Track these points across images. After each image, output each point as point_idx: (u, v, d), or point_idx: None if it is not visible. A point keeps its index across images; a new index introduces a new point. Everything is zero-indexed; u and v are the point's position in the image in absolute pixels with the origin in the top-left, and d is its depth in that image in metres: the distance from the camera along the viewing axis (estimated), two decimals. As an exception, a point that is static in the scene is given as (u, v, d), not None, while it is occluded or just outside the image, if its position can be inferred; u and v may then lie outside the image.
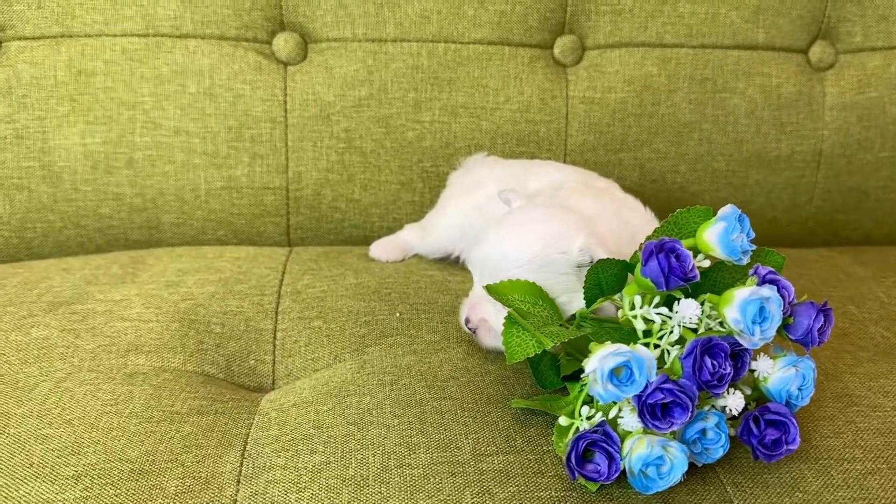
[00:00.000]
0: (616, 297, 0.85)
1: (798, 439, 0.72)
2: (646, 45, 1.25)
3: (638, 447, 0.67)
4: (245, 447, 0.78)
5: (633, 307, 0.75)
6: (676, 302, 0.73)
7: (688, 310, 0.70)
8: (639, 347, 0.68)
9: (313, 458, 0.75)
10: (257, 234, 1.26)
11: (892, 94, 1.29)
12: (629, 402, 0.70)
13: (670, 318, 0.72)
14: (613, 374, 0.67)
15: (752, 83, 1.27)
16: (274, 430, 0.80)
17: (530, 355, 0.75)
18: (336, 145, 1.22)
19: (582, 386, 0.83)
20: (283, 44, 1.21)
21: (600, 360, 0.67)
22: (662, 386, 0.67)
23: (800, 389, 0.73)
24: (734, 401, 0.71)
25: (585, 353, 0.81)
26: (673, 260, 0.70)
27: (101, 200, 1.21)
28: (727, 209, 0.75)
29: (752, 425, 0.71)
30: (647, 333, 0.76)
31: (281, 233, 1.26)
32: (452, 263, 1.15)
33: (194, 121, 1.19)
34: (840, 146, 1.30)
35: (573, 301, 0.87)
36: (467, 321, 0.91)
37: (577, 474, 0.69)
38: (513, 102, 1.23)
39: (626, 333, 0.80)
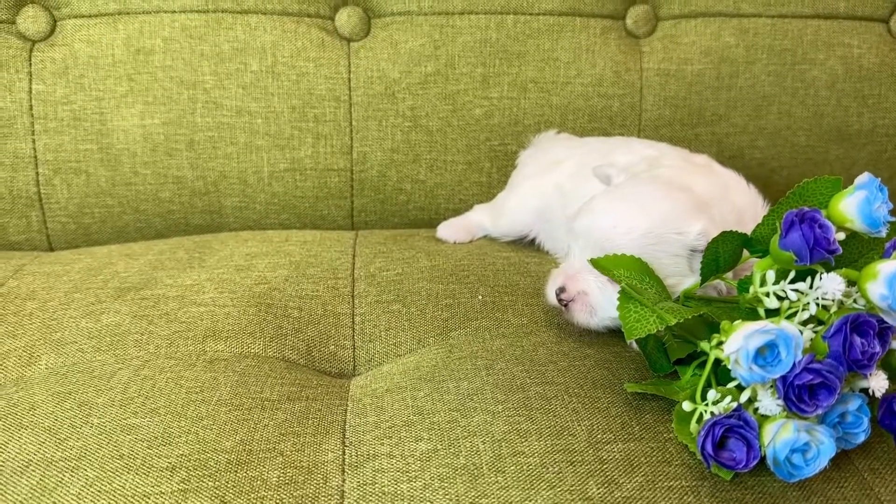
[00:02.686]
0: (727, 275, 0.81)
1: (944, 423, 0.67)
2: (722, 14, 1.20)
3: (784, 432, 0.62)
4: (344, 435, 0.74)
5: (763, 283, 0.70)
6: (809, 278, 0.68)
7: (831, 284, 0.65)
8: (785, 324, 0.63)
9: (419, 446, 0.70)
10: (320, 217, 1.21)
11: (980, 64, 1.23)
12: (765, 385, 0.65)
13: (806, 294, 0.67)
14: (759, 354, 0.62)
15: (832, 54, 1.21)
16: (372, 417, 0.76)
17: (652, 332, 0.70)
18: (401, 124, 1.17)
19: (696, 369, 0.79)
20: (347, 19, 1.16)
21: (745, 338, 0.62)
22: (810, 366, 0.62)
23: (944, 370, 0.68)
24: (878, 382, 0.66)
25: (697, 334, 0.77)
26: (817, 230, 0.65)
27: (162, 184, 1.17)
28: (865, 177, 0.70)
29: (894, 407, 0.66)
30: (770, 313, 0.72)
31: (345, 216, 1.21)
32: (527, 246, 1.10)
33: (256, 100, 1.15)
34: (925, 119, 1.24)
35: (679, 285, 0.82)
36: (561, 291, 0.86)
37: (711, 462, 0.64)
38: (584, 76, 1.18)
39: (745, 313, 0.76)
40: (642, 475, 0.67)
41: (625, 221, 0.82)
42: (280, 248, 1.09)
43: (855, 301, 0.68)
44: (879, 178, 0.69)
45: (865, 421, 0.65)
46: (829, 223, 0.67)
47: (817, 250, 0.65)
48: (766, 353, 0.63)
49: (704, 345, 0.76)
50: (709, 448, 0.64)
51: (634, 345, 0.86)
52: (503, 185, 1.19)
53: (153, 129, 1.14)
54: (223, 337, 0.89)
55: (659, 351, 0.81)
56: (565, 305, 0.86)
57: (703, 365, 0.79)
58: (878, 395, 0.66)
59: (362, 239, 1.13)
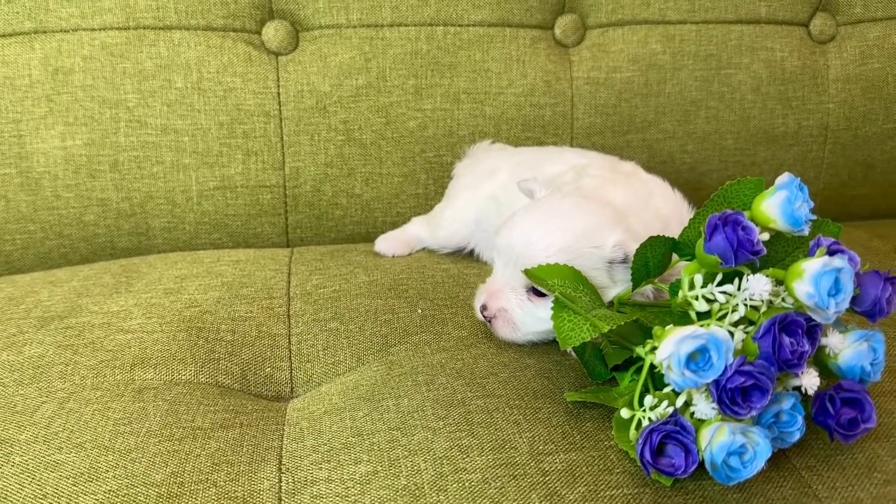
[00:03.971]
0: (655, 280, 0.81)
1: (874, 417, 0.68)
2: (648, 22, 1.21)
3: (719, 436, 0.62)
4: (281, 461, 0.71)
5: (691, 287, 0.70)
6: (737, 279, 0.68)
7: (758, 285, 0.66)
8: (714, 328, 0.63)
9: (359, 469, 0.69)
10: (254, 235, 1.19)
11: (894, 65, 1.27)
12: (700, 390, 0.66)
13: (734, 296, 0.68)
14: (690, 359, 0.62)
15: (756, 58, 1.24)
16: (310, 441, 0.74)
17: (586, 340, 0.70)
18: (334, 138, 1.16)
19: (634, 375, 0.79)
20: (274, 33, 1.14)
21: (676, 344, 0.62)
22: (742, 368, 0.62)
23: (872, 365, 0.69)
24: (810, 380, 0.66)
25: (632, 340, 0.77)
26: (741, 232, 0.66)
27: (85, 207, 1.12)
28: (785, 177, 0.71)
29: (829, 405, 0.67)
30: (701, 316, 0.72)
31: (279, 233, 1.19)
32: (466, 257, 1.10)
33: (182, 118, 1.12)
34: (845, 119, 1.28)
35: (604, 296, 0.83)
36: (483, 309, 0.86)
37: (651, 469, 0.64)
38: (516, 86, 1.18)
39: (677, 317, 0.76)
40: (584, 485, 0.66)
41: (543, 238, 0.82)
42: (211, 269, 1.06)
43: (783, 300, 0.69)
44: (799, 178, 0.71)
45: (800, 419, 0.66)
46: (753, 225, 0.67)
47: (741, 252, 0.66)
48: (697, 358, 0.63)
49: (640, 350, 0.76)
50: (647, 455, 0.64)
51: (573, 353, 0.86)
52: (440, 196, 1.18)
53: (75, 151, 1.10)
54: (152, 364, 0.86)
55: (596, 358, 0.81)
56: (489, 321, 0.86)
57: (640, 370, 0.80)
58: (811, 392, 0.67)
59: (298, 256, 1.11)
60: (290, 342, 0.93)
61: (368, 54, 1.15)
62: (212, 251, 1.13)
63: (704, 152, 1.25)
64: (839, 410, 0.67)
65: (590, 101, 1.20)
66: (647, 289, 0.84)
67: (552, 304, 0.74)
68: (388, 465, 0.69)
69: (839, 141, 1.29)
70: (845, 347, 0.69)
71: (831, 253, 0.69)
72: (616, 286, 0.85)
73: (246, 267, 1.07)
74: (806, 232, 0.70)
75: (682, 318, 0.75)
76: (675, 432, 0.64)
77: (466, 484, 0.66)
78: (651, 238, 0.77)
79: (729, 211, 0.68)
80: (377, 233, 1.18)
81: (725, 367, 0.62)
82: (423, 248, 1.13)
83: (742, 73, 1.24)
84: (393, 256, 1.11)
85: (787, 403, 0.66)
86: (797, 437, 0.67)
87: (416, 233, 1.13)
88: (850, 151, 1.29)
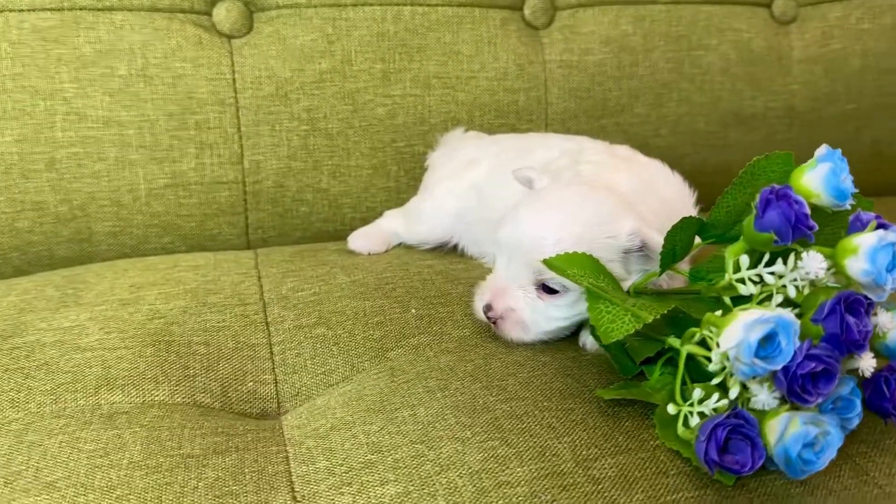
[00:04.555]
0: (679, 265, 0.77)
1: (929, 398, 0.64)
2: (618, 2, 1.17)
3: (792, 427, 0.57)
4: (293, 488, 0.62)
5: (737, 269, 0.65)
6: (785, 259, 0.64)
7: (814, 263, 0.61)
8: (779, 310, 0.58)
9: (387, 490, 0.61)
10: (210, 237, 1.08)
11: (854, 46, 1.28)
12: (758, 378, 0.61)
13: (783, 276, 0.63)
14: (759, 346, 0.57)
15: (724, 39, 1.22)
16: (322, 462, 0.65)
17: (630, 332, 0.64)
18: (297, 128, 1.06)
19: (663, 368, 0.74)
20: (226, 13, 1.04)
21: (745, 330, 0.57)
22: (811, 353, 0.57)
23: (921, 343, 0.66)
24: (867, 361, 0.63)
25: (659, 331, 0.72)
26: (795, 206, 0.61)
27: (18, 212, 0.99)
28: (824, 149, 0.67)
29: (884, 387, 0.64)
30: (737, 301, 0.68)
31: (238, 234, 1.08)
32: (448, 252, 1.02)
33: (127, 108, 1.00)
34: (810, 100, 1.27)
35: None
36: (488, 309, 0.79)
37: (715, 469, 0.59)
38: (488, 70, 1.12)
39: (709, 303, 0.71)
40: (642, 491, 0.60)
41: (554, 231, 0.76)
42: (169, 276, 0.95)
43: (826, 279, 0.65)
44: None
45: (858, 404, 0.62)
46: (803, 199, 0.63)
47: (798, 228, 0.61)
48: (765, 344, 0.58)
49: (673, 341, 0.71)
50: (713, 453, 0.58)
51: (588, 346, 0.80)
52: (412, 189, 1.11)
53: (4, 149, 0.97)
54: (119, 385, 0.75)
55: (621, 352, 0.75)
56: (494, 323, 0.79)
57: (669, 362, 0.75)
58: (868, 374, 0.63)
59: (264, 258, 1.01)
60: (271, 352, 0.83)
61: (332, 36, 1.06)
62: (165, 256, 1.02)
63: (677, 136, 1.22)
64: (894, 392, 0.64)
65: (563, 84, 1.15)
66: (662, 277, 0.79)
67: (586, 297, 0.68)
68: (419, 484, 0.61)
69: (804, 122, 1.28)
70: (894, 326, 0.66)
71: (879, 227, 0.65)
72: (631, 277, 0.80)
73: (208, 272, 0.96)
74: (848, 206, 0.66)
75: (714, 305, 0.70)
76: (740, 426, 0.59)
77: (513, 499, 0.59)
78: (682, 220, 0.72)
79: (778, 186, 0.63)
80: (346, 230, 1.10)
81: (795, 353, 0.57)
82: (400, 245, 1.05)
83: (711, 55, 1.22)
84: (369, 254, 1.02)
85: (846, 388, 0.62)
86: (856, 423, 0.62)
87: (392, 228, 1.05)
88: (815, 132, 1.29)
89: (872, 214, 0.67)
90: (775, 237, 0.61)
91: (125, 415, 0.71)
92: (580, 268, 0.73)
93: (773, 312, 0.58)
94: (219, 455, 0.66)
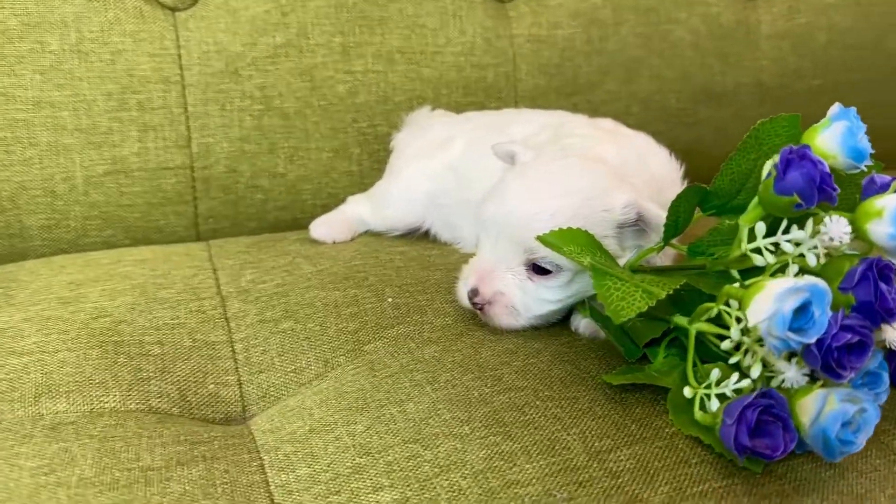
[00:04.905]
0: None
1: (954, 369, 0.60)
2: (586, -26, 1.12)
3: (830, 406, 0.52)
4: (272, 499, 0.55)
5: (751, 238, 0.60)
6: (804, 224, 0.59)
7: (838, 228, 0.56)
8: (810, 278, 0.53)
9: (382, 497, 0.53)
10: (156, 229, 0.98)
11: (820, 20, 1.25)
12: (783, 354, 0.55)
13: (802, 244, 0.58)
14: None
15: (693, 13, 1.18)
16: (304, 469, 0.57)
17: (643, 310, 0.58)
18: (250, 107, 0.98)
19: (667, 349, 0.68)
20: (169, -17, 0.95)
21: (777, 301, 0.51)
22: (847, 323, 0.52)
23: (944, 311, 0.62)
24: (891, 333, 0.58)
25: (665, 310, 0.66)
26: (819, 166, 0.56)
27: (-64, 203, 0.88)
28: (837, 108, 0.62)
29: (911, 359, 0.59)
30: (746, 274, 0.63)
31: (187, 225, 0.99)
32: (420, 238, 0.95)
33: (60, 88, 0.90)
34: (778, 76, 1.25)
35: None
36: (474, 294, 0.72)
37: (744, 455, 0.53)
38: (455, 44, 1.05)
39: (716, 278, 0.66)
40: (665, 483, 0.54)
41: (545, 206, 0.70)
42: (113, 272, 0.85)
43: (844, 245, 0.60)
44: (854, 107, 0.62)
45: (886, 377, 0.58)
46: (823, 159, 0.58)
47: (823, 189, 0.56)
48: (798, 316, 0.52)
49: (680, 319, 0.66)
50: (744, 438, 0.53)
51: (581, 329, 0.75)
52: (376, 172, 1.03)
53: (-83, 133, 0.86)
54: (63, 392, 0.66)
55: (623, 334, 0.69)
56: (480, 309, 0.73)
57: (672, 343, 0.69)
58: (895, 347, 0.59)
59: (218, 249, 0.93)
60: (233, 350, 0.75)
61: (286, 7, 0.98)
62: (107, 251, 0.92)
63: (649, 113, 1.18)
64: (919, 364, 0.60)
65: (533, 60, 1.09)
66: (655, 253, 0.74)
67: (591, 275, 0.62)
68: (418, 488, 0.54)
69: (773, 98, 1.25)
70: (916, 294, 0.62)
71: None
72: (625, 254, 0.74)
73: (157, 266, 0.87)
74: (864, 168, 0.62)
75: (722, 279, 0.65)
76: (771, 407, 0.53)
77: (526, 499, 0.52)
78: (686, 189, 0.67)
79: (793, 146, 0.58)
80: (306, 218, 1.02)
81: (829, 324, 0.52)
82: (366, 232, 0.98)
83: (681, 29, 1.17)
84: (333, 242, 0.95)
85: (874, 361, 0.57)
86: (884, 398, 0.58)
87: (357, 214, 0.98)
88: (785, 108, 1.23)
89: (886, 177, 0.62)
90: (798, 200, 0.56)
91: (72, 425, 0.62)
92: (576, 245, 0.67)
93: (806, 280, 0.52)
94: (183, 466, 0.58)
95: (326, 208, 1.02)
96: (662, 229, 0.71)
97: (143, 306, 0.78)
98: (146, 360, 0.71)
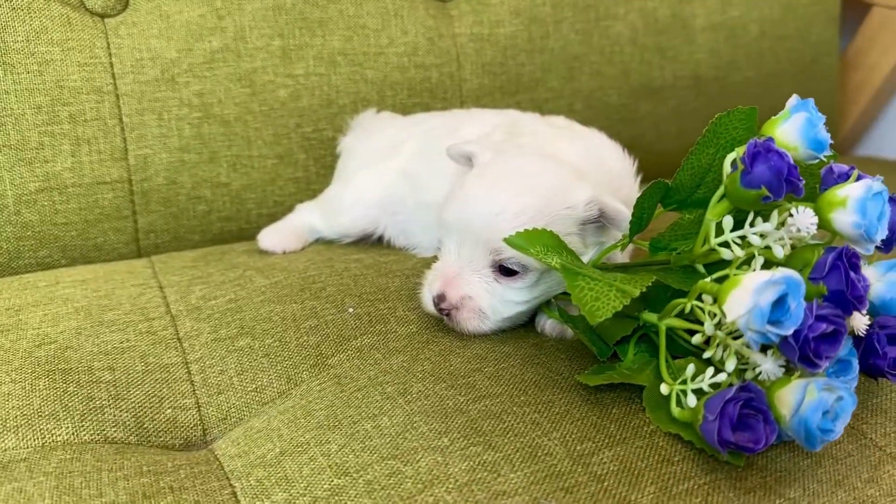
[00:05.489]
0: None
1: (916, 351, 0.62)
2: (525, -29, 1.12)
3: (810, 396, 0.53)
4: (250, 530, 0.52)
5: (719, 232, 0.60)
6: (769, 216, 0.59)
7: (805, 219, 0.57)
8: (784, 270, 0.53)
9: (366, 519, 0.51)
10: (94, 247, 0.93)
11: (751, 13, 1.28)
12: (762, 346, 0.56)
13: (768, 236, 0.59)
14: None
15: (631, 8, 1.19)
16: (280, 495, 0.55)
17: (619, 309, 0.58)
18: (189, 115, 0.94)
19: (637, 346, 0.68)
20: (96, -12, 0.90)
21: (755, 294, 0.51)
22: (821, 313, 0.53)
23: (904, 296, 0.63)
24: (860, 320, 0.59)
25: (634, 307, 0.66)
26: (785, 159, 0.57)
27: None
28: (795, 99, 0.63)
29: (877, 345, 0.60)
30: (711, 268, 0.63)
31: (127, 241, 0.94)
32: (374, 244, 0.93)
33: (-17, 101, 0.85)
34: (713, 69, 1.27)
35: None
36: (441, 299, 0.71)
37: (727, 449, 0.53)
38: (397, 45, 1.03)
39: (681, 273, 0.66)
40: (651, 483, 0.54)
41: (509, 205, 0.69)
42: (52, 295, 0.81)
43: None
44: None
45: (856, 364, 0.59)
46: (786, 151, 0.59)
47: (790, 181, 0.57)
48: (774, 308, 0.53)
49: (648, 316, 0.66)
50: (727, 433, 0.53)
51: (547, 329, 0.74)
52: (324, 178, 1.01)
53: None
54: (10, 428, 0.62)
55: (593, 333, 0.69)
56: (447, 314, 0.71)
57: (643, 339, 0.69)
58: (861, 333, 0.60)
59: (162, 265, 0.88)
60: (189, 372, 0.71)
61: (221, 11, 0.94)
62: (43, 273, 0.87)
63: (591, 110, 1.18)
64: (885, 349, 0.61)
65: (476, 59, 1.08)
66: (617, 251, 0.74)
67: (563, 274, 0.61)
68: (403, 505, 0.52)
69: (709, 91, 1.27)
70: (876, 281, 0.63)
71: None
72: (588, 252, 0.74)
73: (99, 286, 0.83)
74: (824, 158, 0.63)
75: (690, 274, 0.65)
76: (751, 400, 0.54)
77: (515, 511, 0.51)
78: (650, 185, 0.67)
79: (756, 139, 0.59)
80: (252, 228, 0.99)
81: (805, 315, 0.52)
82: (317, 240, 0.95)
83: (619, 24, 1.18)
84: (284, 252, 0.92)
85: (844, 349, 0.58)
86: (855, 384, 0.59)
87: (308, 222, 0.95)
88: (721, 101, 1.28)
89: (843, 166, 0.63)
90: (766, 193, 0.57)
91: (24, 462, 0.58)
92: (543, 245, 0.67)
93: (781, 273, 0.53)
94: (150, 499, 0.55)
95: (273, 217, 0.99)
96: (624, 225, 0.71)
97: (90, 330, 0.74)
98: (97, 388, 0.67)
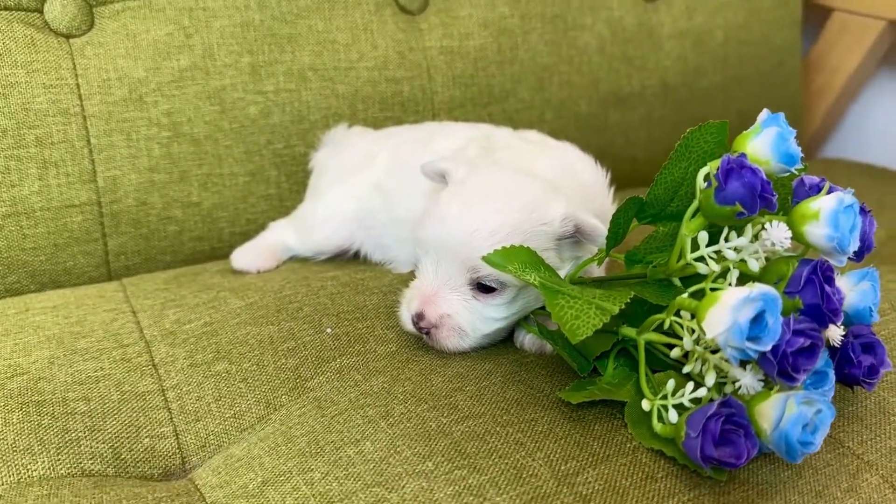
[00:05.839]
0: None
1: (887, 359, 0.63)
2: (492, -17, 1.12)
3: (790, 410, 0.53)
4: (235, 564, 0.51)
5: (695, 247, 0.61)
6: (743, 231, 0.60)
7: (779, 233, 0.58)
8: (761, 286, 0.54)
9: (353, 549, 0.51)
10: (64, 271, 0.91)
11: (715, 18, 1.30)
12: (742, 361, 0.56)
13: (742, 250, 0.60)
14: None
15: (598, 18, 1.19)
16: (264, 526, 0.54)
17: (599, 327, 0.58)
18: (158, 135, 0.92)
19: (616, 360, 0.69)
20: (61, 10, 0.88)
21: (733, 312, 0.52)
22: (798, 327, 0.54)
23: (873, 305, 0.64)
24: (835, 331, 0.60)
25: (612, 322, 0.66)
26: (758, 175, 0.57)
27: None
28: (766, 114, 0.64)
29: (851, 354, 0.61)
30: (687, 282, 0.64)
31: (97, 264, 0.93)
32: (349, 261, 0.92)
33: (-55, 125, 0.83)
34: (680, 75, 1.28)
35: None
36: (419, 318, 0.71)
37: (710, 465, 0.54)
38: (368, 59, 1.03)
39: (657, 287, 0.67)
40: (636, 501, 0.55)
41: (486, 224, 0.69)
42: (23, 323, 0.79)
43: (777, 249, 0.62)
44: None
45: (832, 375, 0.60)
46: (758, 166, 0.60)
47: (763, 197, 0.57)
48: (752, 325, 0.53)
49: (627, 330, 0.66)
50: (709, 449, 0.53)
51: (526, 345, 0.74)
52: (296, 194, 1.00)
53: None
54: (-17, 465, 0.60)
55: (572, 349, 0.69)
56: (427, 333, 0.71)
57: (622, 353, 0.70)
58: (836, 344, 0.61)
59: (134, 289, 0.87)
60: (166, 399, 0.70)
61: (189, 29, 0.93)
62: (12, 299, 0.85)
63: (562, 120, 1.19)
64: (859, 358, 0.62)
65: (447, 72, 1.08)
66: (593, 264, 0.74)
67: (543, 293, 0.61)
68: (390, 534, 0.52)
69: (677, 98, 1.29)
70: (849, 291, 0.64)
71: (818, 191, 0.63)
72: (564, 266, 0.74)
73: (70, 312, 0.81)
74: (796, 171, 0.64)
75: (668, 289, 0.66)
76: (732, 415, 0.54)
77: (502, 535, 0.51)
78: (627, 200, 0.67)
79: (729, 156, 0.59)
80: (225, 248, 0.97)
81: (783, 330, 0.53)
82: (292, 258, 0.94)
83: (587, 35, 1.19)
84: (258, 272, 0.91)
85: (821, 361, 0.59)
86: (831, 395, 0.60)
87: (281, 240, 0.94)
88: (688, 107, 1.30)
89: (817, 178, 0.64)
90: (741, 209, 0.57)
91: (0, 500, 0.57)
92: (520, 262, 0.67)
93: (758, 289, 0.53)
94: (131, 536, 0.54)
95: (246, 236, 0.98)
96: (600, 240, 0.71)
97: (63, 359, 0.73)
98: (73, 419, 0.66)
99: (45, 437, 0.64)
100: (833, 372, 0.60)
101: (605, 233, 0.69)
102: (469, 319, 0.71)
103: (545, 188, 0.73)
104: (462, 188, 0.73)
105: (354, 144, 0.95)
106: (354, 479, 0.57)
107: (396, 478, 0.56)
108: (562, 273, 0.73)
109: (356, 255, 0.92)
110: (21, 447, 0.62)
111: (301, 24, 0.99)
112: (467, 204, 0.71)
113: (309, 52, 0.99)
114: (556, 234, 0.72)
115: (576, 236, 0.72)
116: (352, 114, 1.03)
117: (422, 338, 0.73)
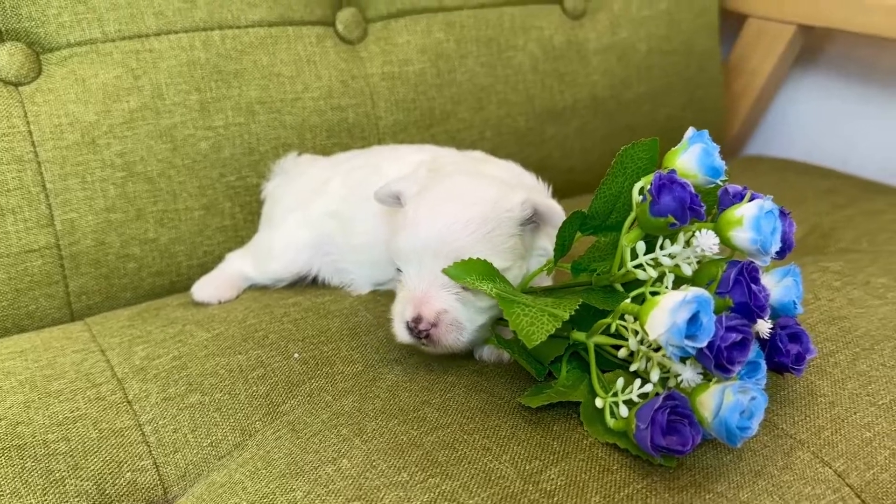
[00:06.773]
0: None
1: (812, 346, 0.70)
2: (427, 10, 1.17)
3: (728, 399, 0.59)
4: (231, 583, 0.55)
5: (634, 256, 0.66)
6: (678, 239, 0.66)
7: (707, 240, 0.64)
8: (695, 289, 0.60)
9: (341, 559, 0.55)
10: (26, 315, 0.93)
11: (638, 32, 1.37)
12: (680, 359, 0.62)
13: (676, 257, 0.66)
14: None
15: (529, 38, 1.25)
16: (254, 546, 0.57)
17: (552, 332, 0.63)
18: (112, 176, 0.94)
19: (569, 363, 0.74)
20: (8, 58, 0.89)
21: (672, 314, 0.58)
22: (730, 324, 0.60)
23: (796, 298, 0.71)
24: (763, 325, 0.67)
25: (563, 327, 0.71)
26: (687, 189, 0.63)
27: None
28: (691, 132, 0.70)
29: (780, 344, 0.68)
30: (629, 286, 0.69)
31: (59, 305, 0.94)
32: (308, 286, 0.96)
33: None
34: (609, 88, 1.35)
35: (518, 277, 0.77)
36: (417, 321, 0.73)
37: (660, 453, 0.59)
38: (313, 90, 1.06)
39: (602, 293, 0.72)
40: (596, 493, 0.60)
41: (460, 216, 0.74)
42: (-10, 368, 0.80)
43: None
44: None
45: (763, 365, 0.66)
46: (686, 180, 0.66)
47: (692, 209, 0.63)
48: (689, 324, 0.59)
49: (578, 335, 0.72)
50: (658, 438, 0.59)
51: (485, 356, 0.79)
52: (251, 224, 1.03)
53: None
54: (-29, 512, 0.62)
55: (528, 355, 0.74)
56: (426, 336, 0.73)
57: (574, 356, 0.75)
58: (766, 336, 0.67)
59: (99, 328, 0.89)
60: (143, 434, 0.73)
61: (137, 71, 0.95)
62: (-24, 346, 0.86)
63: (501, 137, 1.24)
64: (787, 347, 0.68)
65: (389, 97, 1.13)
66: (543, 273, 0.79)
67: (500, 302, 0.66)
68: (374, 542, 0.56)
69: (606, 109, 1.35)
70: (774, 287, 0.71)
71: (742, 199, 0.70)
72: (531, 255, 0.79)
73: (39, 356, 0.83)
74: (720, 182, 0.70)
75: (610, 294, 0.71)
76: (677, 407, 0.60)
77: (477, 534, 0.56)
78: (570, 215, 0.73)
79: (661, 172, 0.65)
80: (184, 281, 1.00)
81: (716, 327, 0.59)
82: (251, 287, 0.97)
83: (520, 55, 1.25)
84: (220, 303, 0.93)
85: (753, 352, 0.65)
86: (764, 382, 0.66)
87: (239, 270, 0.97)
88: (617, 118, 1.37)
89: (739, 187, 0.71)
90: (673, 220, 0.63)
91: (-11, 547, 0.59)
92: (477, 273, 0.71)
93: (692, 292, 0.59)
94: (126, 567, 0.56)
95: (204, 268, 1.00)
96: (557, 220, 0.76)
97: (38, 402, 0.74)
98: (55, 460, 0.68)
99: (30, 480, 0.66)
100: (764, 362, 0.66)
101: (562, 213, 0.75)
102: (465, 313, 0.73)
103: (501, 185, 0.79)
104: (426, 195, 0.77)
105: (306, 172, 0.98)
106: (335, 496, 0.60)
107: (375, 490, 0.60)
108: (530, 262, 0.79)
109: (314, 280, 0.96)
110: (7, 491, 0.64)
111: (246, 59, 1.02)
112: (435, 205, 0.75)
113: (255, 86, 1.02)
114: (519, 219, 0.76)
115: (535, 221, 0.77)
116: (300, 143, 1.06)
117: (418, 346, 0.74)
